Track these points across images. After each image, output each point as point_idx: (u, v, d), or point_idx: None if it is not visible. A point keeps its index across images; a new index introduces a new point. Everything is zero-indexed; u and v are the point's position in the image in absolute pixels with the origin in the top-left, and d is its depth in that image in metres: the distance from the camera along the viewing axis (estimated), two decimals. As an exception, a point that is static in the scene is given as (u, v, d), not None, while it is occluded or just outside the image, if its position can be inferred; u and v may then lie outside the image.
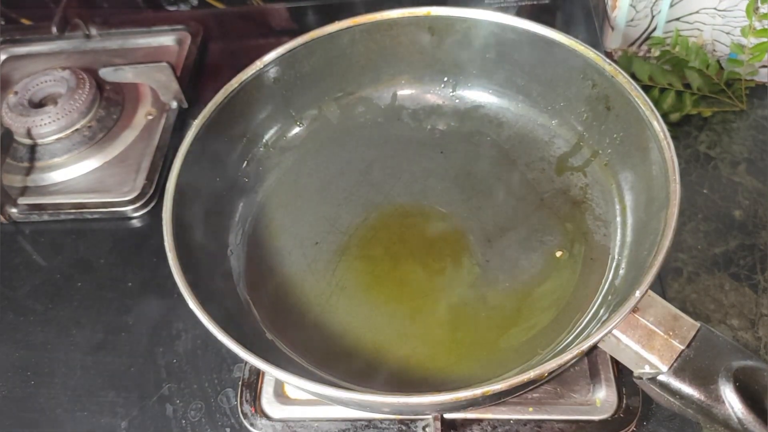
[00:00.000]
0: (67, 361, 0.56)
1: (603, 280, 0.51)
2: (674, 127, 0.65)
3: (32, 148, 0.69)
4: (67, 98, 0.70)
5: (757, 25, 0.61)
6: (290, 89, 0.61)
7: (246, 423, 0.51)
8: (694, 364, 0.39)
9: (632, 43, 0.68)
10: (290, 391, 0.51)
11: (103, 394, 0.54)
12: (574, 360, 0.41)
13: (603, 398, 0.49)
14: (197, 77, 0.76)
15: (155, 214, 0.64)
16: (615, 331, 0.40)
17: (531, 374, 0.39)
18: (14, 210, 0.66)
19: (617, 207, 0.54)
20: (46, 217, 0.66)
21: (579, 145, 0.58)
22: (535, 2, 0.77)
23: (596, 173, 0.56)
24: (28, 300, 0.61)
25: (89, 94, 0.70)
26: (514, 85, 0.60)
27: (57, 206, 0.66)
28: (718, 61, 0.66)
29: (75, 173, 0.68)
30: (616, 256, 0.51)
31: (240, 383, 0.52)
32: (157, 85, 0.70)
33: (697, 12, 0.64)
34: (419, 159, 0.60)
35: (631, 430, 0.48)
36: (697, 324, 0.40)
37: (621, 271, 0.50)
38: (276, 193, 0.60)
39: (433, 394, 0.41)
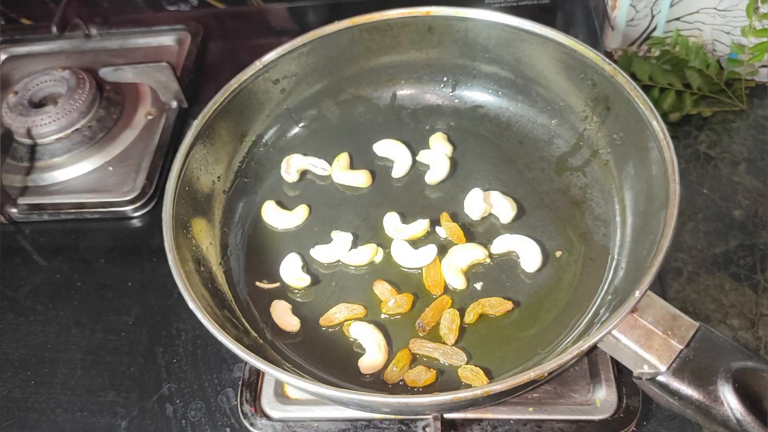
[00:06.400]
0: (67, 361, 0.57)
1: (603, 280, 0.51)
2: (674, 127, 0.65)
3: (32, 148, 0.69)
4: (67, 98, 0.70)
5: (757, 25, 0.61)
6: (290, 89, 0.61)
7: (246, 423, 0.51)
8: (693, 365, 0.39)
9: (632, 43, 0.68)
10: (290, 391, 0.51)
11: (103, 394, 0.54)
12: (574, 360, 0.41)
13: (603, 398, 0.49)
14: (197, 77, 0.76)
15: (155, 214, 0.64)
16: (614, 332, 0.40)
17: (531, 374, 0.39)
18: (14, 210, 0.66)
19: (617, 207, 0.54)
20: (46, 217, 0.66)
21: (578, 144, 0.57)
22: (535, 2, 0.77)
23: (596, 173, 0.56)
24: (28, 300, 0.61)
25: (89, 94, 0.70)
26: (514, 84, 0.60)
27: (57, 206, 0.66)
28: (718, 61, 0.66)
29: (75, 173, 0.68)
30: (615, 256, 0.51)
31: (240, 383, 0.52)
32: (157, 85, 0.70)
33: (697, 12, 0.64)
34: (419, 159, 0.60)
35: (631, 430, 0.48)
36: (696, 324, 0.40)
37: (621, 271, 0.50)
38: (276, 194, 0.60)
39: (433, 394, 0.41)
